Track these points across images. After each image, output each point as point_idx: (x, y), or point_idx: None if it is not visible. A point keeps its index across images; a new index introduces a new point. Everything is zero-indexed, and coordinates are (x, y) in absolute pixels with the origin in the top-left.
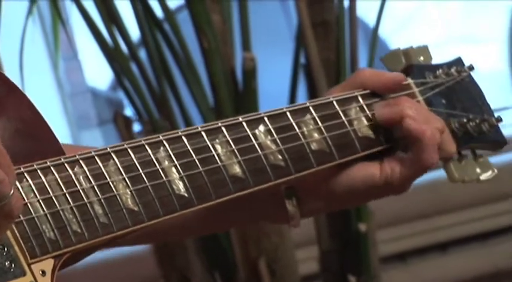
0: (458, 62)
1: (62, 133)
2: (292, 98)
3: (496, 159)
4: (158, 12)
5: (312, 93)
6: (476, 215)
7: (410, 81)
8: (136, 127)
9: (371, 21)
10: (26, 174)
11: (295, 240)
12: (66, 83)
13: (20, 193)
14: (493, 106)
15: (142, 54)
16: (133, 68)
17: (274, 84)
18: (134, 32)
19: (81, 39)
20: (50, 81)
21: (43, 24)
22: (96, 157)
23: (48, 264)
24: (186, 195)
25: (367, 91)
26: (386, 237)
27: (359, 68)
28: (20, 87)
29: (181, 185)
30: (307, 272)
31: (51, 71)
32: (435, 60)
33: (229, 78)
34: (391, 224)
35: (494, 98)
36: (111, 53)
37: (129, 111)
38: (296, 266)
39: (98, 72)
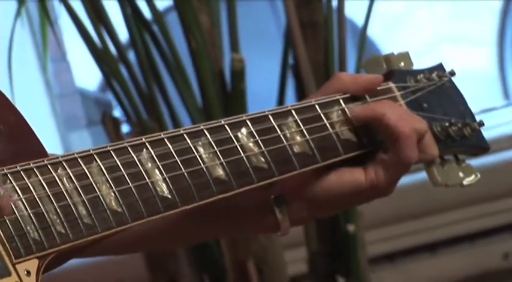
0: (440, 67)
1: (51, 134)
2: (281, 99)
3: (486, 160)
4: (147, 13)
5: (301, 93)
6: (465, 215)
7: (391, 85)
8: (125, 128)
9: (360, 22)
10: (9, 176)
11: (283, 241)
12: (55, 84)
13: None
14: (481, 107)
15: (131, 55)
16: (122, 69)
17: (262, 85)
18: (123, 33)
19: (70, 41)
20: (39, 82)
21: (31, 26)
22: (78, 159)
23: (33, 264)
24: (169, 196)
25: (348, 95)
26: (375, 238)
27: (337, 72)
28: (8, 88)
29: (164, 187)
30: (296, 273)
31: (39, 72)
32: (423, 62)
33: (218, 79)
34: (379, 224)
35: (483, 99)
36: (99, 55)
37: (117, 112)
38: (285, 267)
39: (87, 73)
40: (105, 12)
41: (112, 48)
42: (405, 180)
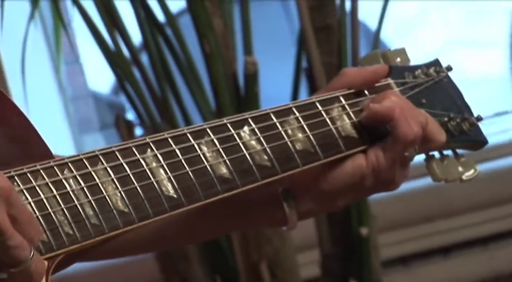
0: (437, 62)
1: (64, 137)
2: None
3: (499, 163)
4: (160, 16)
5: None
6: (478, 219)
7: (390, 81)
8: (138, 131)
9: (373, 25)
10: (16, 178)
11: (296, 244)
12: (68, 86)
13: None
14: (494, 110)
15: (144, 58)
16: (135, 72)
17: (276, 88)
18: (136, 36)
19: (83, 43)
20: (52, 85)
21: (45, 28)
22: (84, 160)
23: None
24: (175, 196)
25: (349, 91)
26: (388, 241)
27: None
28: (21, 91)
29: (169, 186)
30: (309, 276)
31: (52, 75)
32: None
33: (231, 82)
34: (393, 227)
35: (495, 103)
36: (112, 57)
37: (131, 115)
38: (297, 270)
39: (100, 76)
40: (118, 14)
41: (125, 51)
42: (418, 183)
